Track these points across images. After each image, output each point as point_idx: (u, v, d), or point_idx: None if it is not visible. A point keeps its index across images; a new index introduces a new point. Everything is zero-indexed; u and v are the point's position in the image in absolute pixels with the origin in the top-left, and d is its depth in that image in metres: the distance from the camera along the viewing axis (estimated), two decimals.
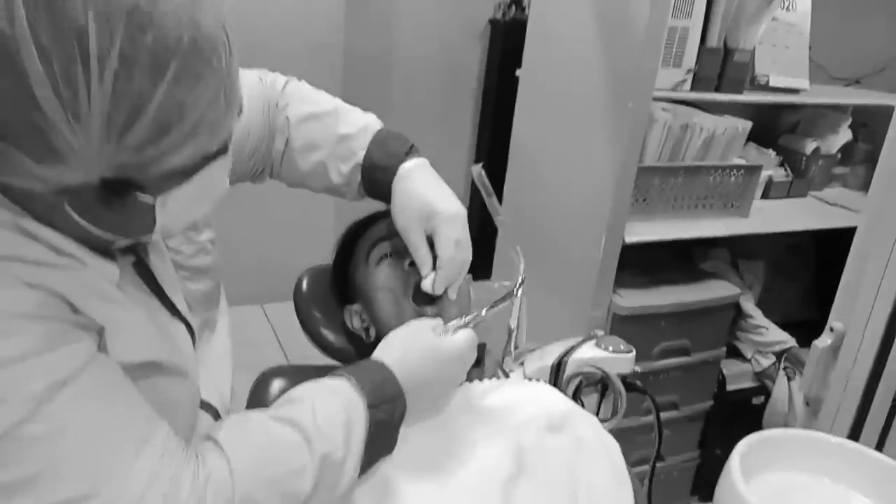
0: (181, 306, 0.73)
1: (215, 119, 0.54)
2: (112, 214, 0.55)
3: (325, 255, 1.11)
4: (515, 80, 1.96)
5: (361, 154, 0.84)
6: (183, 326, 0.73)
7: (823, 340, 1.19)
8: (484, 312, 0.81)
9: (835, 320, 1.19)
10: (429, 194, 0.82)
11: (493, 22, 3.21)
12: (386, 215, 0.94)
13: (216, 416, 0.94)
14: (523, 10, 3.11)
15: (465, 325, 0.78)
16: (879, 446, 1.12)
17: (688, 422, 1.96)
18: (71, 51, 0.46)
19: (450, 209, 0.81)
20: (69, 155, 0.49)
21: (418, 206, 0.81)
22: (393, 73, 3.16)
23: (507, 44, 3.10)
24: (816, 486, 0.94)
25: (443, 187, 0.84)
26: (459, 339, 0.76)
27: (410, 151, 0.85)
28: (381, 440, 0.69)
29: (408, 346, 0.74)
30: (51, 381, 0.52)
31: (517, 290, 0.89)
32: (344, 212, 2.31)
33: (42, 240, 0.55)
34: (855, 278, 1.16)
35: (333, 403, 0.66)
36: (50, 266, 0.55)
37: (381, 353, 0.74)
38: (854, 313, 1.13)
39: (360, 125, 0.86)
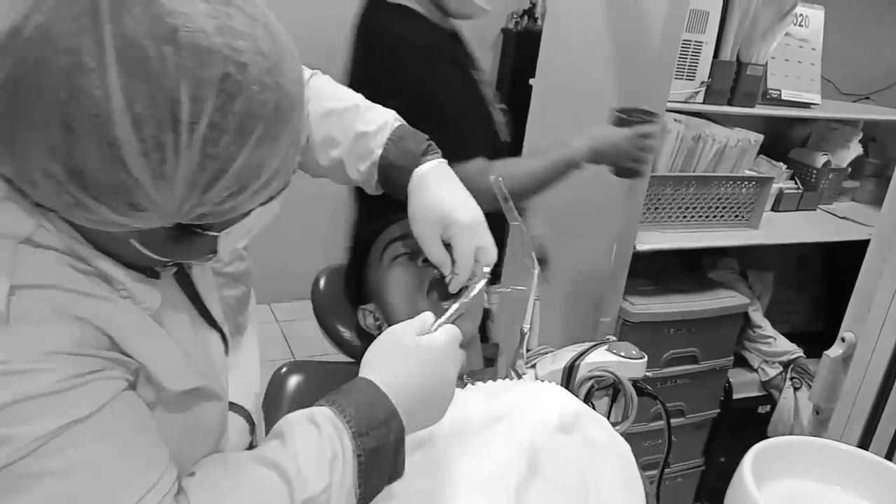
0: (217, 315, 0.74)
1: (287, 167, 0.56)
2: (177, 247, 0.57)
3: (334, 257, 1.12)
4: (527, 89, 1.98)
5: (378, 153, 0.83)
6: (217, 335, 0.74)
7: (835, 350, 1.20)
8: (459, 304, 0.78)
9: (846, 330, 1.20)
10: (445, 204, 0.81)
11: (505, 31, 3.24)
12: (400, 218, 0.95)
13: (248, 418, 0.94)
14: (536, 20, 3.14)
15: (446, 322, 0.74)
16: (889, 456, 1.13)
17: (694, 429, 1.96)
18: (163, 119, 0.47)
19: (467, 219, 0.80)
20: (150, 209, 0.50)
21: (435, 217, 0.81)
22: None
23: (518, 53, 3.13)
24: (828, 494, 0.95)
25: (458, 193, 0.83)
26: (441, 335, 0.71)
27: (427, 151, 0.84)
28: (378, 468, 0.62)
29: (391, 358, 0.68)
30: (66, 419, 0.50)
31: (484, 275, 0.87)
32: None
33: (92, 267, 0.56)
34: (867, 289, 1.17)
35: (317, 441, 0.60)
36: (95, 297, 0.55)
37: (366, 370, 0.68)
38: (866, 324, 1.14)
39: (378, 123, 0.85)
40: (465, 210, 0.81)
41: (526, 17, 3.18)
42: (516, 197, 1.00)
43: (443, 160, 0.85)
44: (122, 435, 0.54)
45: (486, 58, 3.30)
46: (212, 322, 0.73)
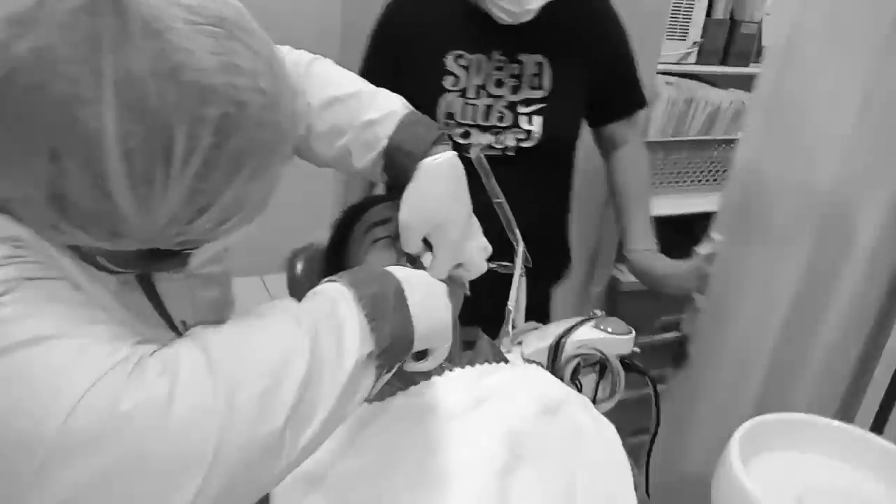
0: (177, 320, 0.72)
1: (270, 195, 0.55)
2: (146, 263, 0.56)
3: (325, 228, 1.08)
4: None
5: (385, 141, 0.79)
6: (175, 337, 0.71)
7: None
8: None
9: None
10: (441, 206, 0.78)
11: None
12: (385, 199, 0.92)
13: None
14: None
15: None
16: (876, 429, 1.13)
17: None
18: (155, 154, 0.46)
19: (455, 236, 0.78)
20: (130, 236, 0.49)
21: (428, 211, 0.77)
22: None
23: None
24: (815, 468, 0.95)
25: (459, 199, 0.79)
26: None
27: (438, 140, 0.79)
28: (385, 316, 0.59)
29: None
30: (18, 275, 0.48)
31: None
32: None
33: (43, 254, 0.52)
34: None
35: (312, 297, 0.59)
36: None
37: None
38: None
39: (386, 110, 0.80)
40: (456, 224, 0.78)
41: None
42: None
43: (454, 153, 0.80)
44: (72, 302, 0.50)
45: None
46: (173, 328, 0.71)
